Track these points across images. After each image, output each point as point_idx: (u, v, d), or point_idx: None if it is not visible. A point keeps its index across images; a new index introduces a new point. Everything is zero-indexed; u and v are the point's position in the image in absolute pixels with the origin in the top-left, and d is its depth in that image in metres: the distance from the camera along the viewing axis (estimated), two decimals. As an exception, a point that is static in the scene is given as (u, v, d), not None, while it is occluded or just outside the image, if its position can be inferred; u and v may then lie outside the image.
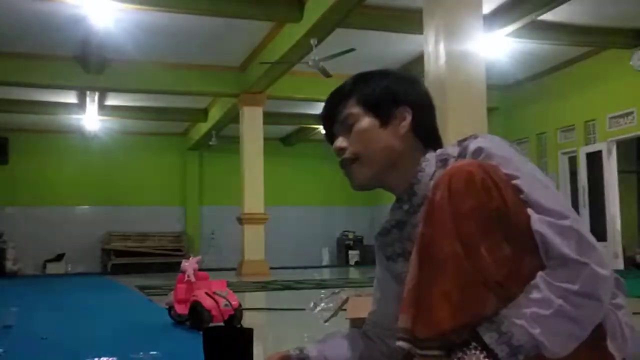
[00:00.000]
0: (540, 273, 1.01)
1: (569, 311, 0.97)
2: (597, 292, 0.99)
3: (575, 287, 0.98)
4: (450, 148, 1.25)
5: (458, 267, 1.00)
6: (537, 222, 1.02)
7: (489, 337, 0.98)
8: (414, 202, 1.28)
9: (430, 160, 1.27)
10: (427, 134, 1.32)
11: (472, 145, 1.16)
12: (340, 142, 1.31)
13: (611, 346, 1.05)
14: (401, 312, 1.06)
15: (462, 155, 1.19)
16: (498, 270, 1.00)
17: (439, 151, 1.28)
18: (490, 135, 1.19)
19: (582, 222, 1.05)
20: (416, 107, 1.30)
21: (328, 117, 1.36)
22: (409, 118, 1.29)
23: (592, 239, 1.02)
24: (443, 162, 1.24)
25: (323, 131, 1.42)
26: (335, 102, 1.34)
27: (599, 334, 1.03)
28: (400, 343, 1.04)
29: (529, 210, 1.03)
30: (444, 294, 1.00)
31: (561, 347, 0.98)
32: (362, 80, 1.33)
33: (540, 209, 1.03)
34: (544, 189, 1.06)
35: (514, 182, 1.06)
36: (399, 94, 1.30)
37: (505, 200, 1.03)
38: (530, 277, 1.01)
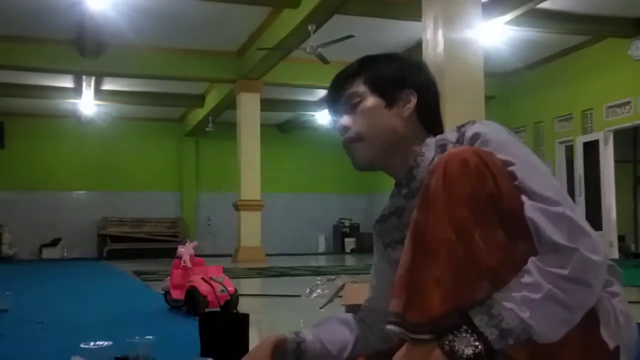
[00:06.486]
0: (532, 258, 1.01)
1: (558, 296, 0.98)
2: (587, 277, 0.99)
3: (565, 272, 0.98)
4: (449, 133, 1.26)
5: (451, 253, 1.00)
6: (530, 208, 1.02)
7: (479, 320, 0.98)
8: (412, 186, 1.28)
9: (430, 145, 1.28)
10: (430, 119, 1.32)
11: (470, 131, 1.17)
12: (345, 120, 1.31)
13: (604, 333, 1.05)
14: (393, 297, 1.05)
15: (459, 141, 1.19)
16: (491, 256, 1.00)
17: (438, 137, 1.29)
18: (488, 121, 1.20)
19: (576, 209, 1.05)
20: (421, 92, 1.30)
21: (333, 97, 1.35)
22: (413, 101, 1.29)
23: (585, 225, 1.02)
24: (442, 147, 1.24)
25: (328, 113, 1.41)
26: (341, 81, 1.33)
27: (591, 321, 1.03)
28: (390, 327, 1.04)
29: (523, 197, 1.04)
30: (436, 279, 1.00)
31: (551, 332, 0.98)
32: (369, 61, 1.33)
33: (534, 196, 1.03)
34: (539, 176, 1.06)
35: (509, 168, 1.06)
36: (406, 77, 1.30)
37: (499, 187, 1.03)
38: (524, 263, 1.01)
